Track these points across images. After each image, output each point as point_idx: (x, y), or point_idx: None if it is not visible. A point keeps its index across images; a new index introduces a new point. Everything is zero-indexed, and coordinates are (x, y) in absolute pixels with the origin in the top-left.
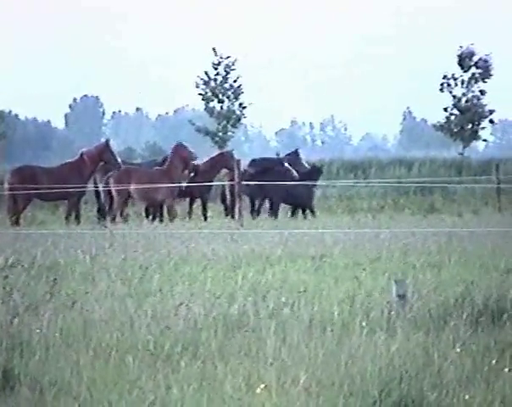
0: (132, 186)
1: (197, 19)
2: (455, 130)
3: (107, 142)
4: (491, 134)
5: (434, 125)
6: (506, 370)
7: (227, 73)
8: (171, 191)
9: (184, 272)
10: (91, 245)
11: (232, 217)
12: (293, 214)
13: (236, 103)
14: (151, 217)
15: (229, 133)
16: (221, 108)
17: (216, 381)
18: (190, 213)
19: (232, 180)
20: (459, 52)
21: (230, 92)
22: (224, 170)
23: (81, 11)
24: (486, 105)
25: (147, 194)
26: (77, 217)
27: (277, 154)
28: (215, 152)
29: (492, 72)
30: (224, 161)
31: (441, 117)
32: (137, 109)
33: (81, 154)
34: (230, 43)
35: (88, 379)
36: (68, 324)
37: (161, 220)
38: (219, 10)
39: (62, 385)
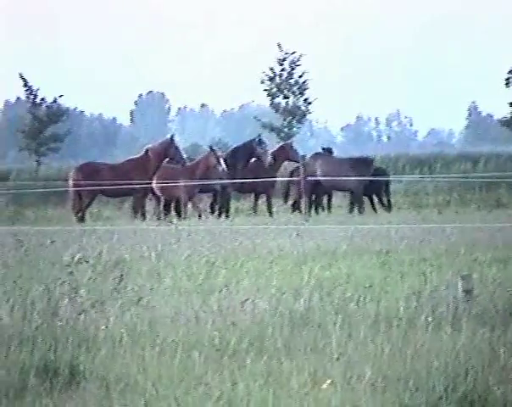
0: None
1: (263, 16)
2: None
3: (171, 138)
4: None
5: (500, 121)
6: None
7: (292, 68)
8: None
9: (250, 268)
10: (156, 241)
11: (299, 212)
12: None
13: (302, 99)
14: (216, 213)
15: (294, 129)
16: (286, 103)
17: (282, 377)
18: (255, 208)
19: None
20: None
21: (295, 88)
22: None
23: (149, 9)
24: None
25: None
26: (143, 213)
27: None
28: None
29: None
30: (285, 153)
31: (507, 112)
32: (203, 105)
33: (146, 150)
34: (295, 39)
35: (154, 375)
36: (134, 320)
37: (227, 216)
38: (286, 6)
39: (128, 381)
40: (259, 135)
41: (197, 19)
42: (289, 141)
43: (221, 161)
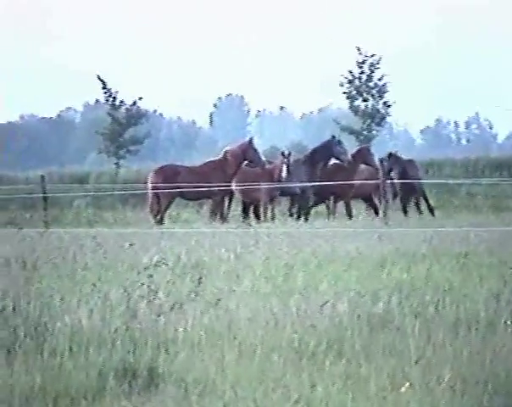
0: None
1: (343, 17)
2: None
3: (250, 140)
4: None
5: None
6: None
7: (372, 71)
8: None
9: (328, 270)
10: (235, 243)
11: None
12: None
13: (381, 102)
14: (295, 215)
15: (373, 132)
16: (366, 106)
17: (360, 380)
18: (333, 211)
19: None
20: None
21: (374, 91)
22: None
23: (225, 12)
24: None
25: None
26: (222, 216)
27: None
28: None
29: None
30: (362, 157)
31: None
32: (282, 108)
33: (225, 153)
34: (374, 41)
35: (233, 377)
36: (212, 322)
37: (306, 219)
38: (366, 9)
39: (207, 383)
40: (333, 136)
41: (277, 22)
42: (367, 144)
43: (284, 167)
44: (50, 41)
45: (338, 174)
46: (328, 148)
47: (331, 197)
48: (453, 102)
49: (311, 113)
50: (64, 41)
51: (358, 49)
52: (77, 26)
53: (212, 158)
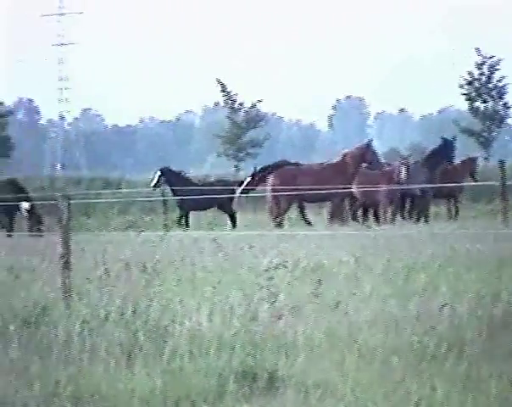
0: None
1: (461, 19)
2: None
3: (369, 142)
4: None
5: None
6: None
7: (491, 73)
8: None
9: (448, 272)
10: (355, 246)
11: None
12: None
13: (501, 103)
14: (415, 217)
15: (493, 133)
16: (485, 108)
17: (481, 382)
18: (452, 213)
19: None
20: None
21: (494, 92)
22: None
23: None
24: None
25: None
26: (341, 218)
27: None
28: (476, 153)
29: None
30: (469, 165)
31: None
32: (401, 110)
33: (344, 155)
34: (494, 43)
35: (353, 380)
36: (332, 325)
37: (426, 221)
38: (482, 11)
39: (327, 386)
40: (444, 137)
41: (398, 23)
42: (474, 155)
43: (403, 169)
44: (169, 45)
45: (449, 176)
46: (446, 150)
47: (446, 199)
48: None
49: (431, 114)
50: (184, 45)
51: (478, 50)
52: (197, 30)
53: (331, 161)
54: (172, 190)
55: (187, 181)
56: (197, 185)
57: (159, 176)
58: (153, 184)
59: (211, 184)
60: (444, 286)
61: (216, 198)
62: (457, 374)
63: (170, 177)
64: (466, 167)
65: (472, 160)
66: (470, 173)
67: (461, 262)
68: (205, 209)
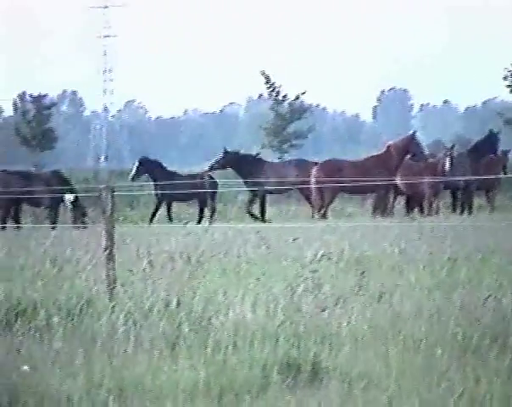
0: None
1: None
2: None
3: (413, 133)
4: None
5: None
6: None
7: None
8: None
9: (492, 264)
10: (399, 237)
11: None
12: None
13: None
14: (459, 209)
15: None
16: None
17: None
18: (492, 204)
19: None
20: None
21: None
22: None
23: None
24: None
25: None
26: (385, 210)
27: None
28: None
29: None
30: (504, 159)
31: None
32: (445, 102)
33: (388, 147)
34: None
35: (397, 371)
36: (376, 317)
37: (470, 213)
38: None
39: (371, 378)
40: (491, 130)
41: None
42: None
43: (447, 161)
44: (214, 37)
45: (492, 168)
46: (491, 142)
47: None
48: None
49: (475, 106)
50: (229, 37)
51: None
52: (242, 22)
53: (375, 153)
54: (153, 180)
55: (167, 172)
56: (178, 176)
57: (137, 167)
58: (131, 175)
59: (193, 177)
60: (488, 277)
61: (195, 192)
62: (501, 365)
63: (150, 167)
64: (501, 160)
65: (505, 153)
66: (503, 166)
67: (505, 253)
68: (185, 201)
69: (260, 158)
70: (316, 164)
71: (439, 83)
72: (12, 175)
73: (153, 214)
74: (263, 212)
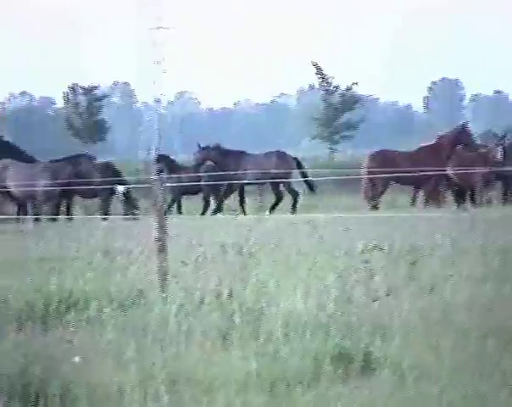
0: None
1: None
2: None
3: (464, 124)
4: None
5: None
6: None
7: None
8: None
9: None
10: (451, 228)
11: None
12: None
13: None
14: (511, 200)
15: None
16: None
17: None
18: None
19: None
20: None
21: None
22: None
23: None
24: None
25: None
26: (437, 200)
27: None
28: None
29: None
30: None
31: None
32: (497, 92)
33: (439, 138)
34: None
35: (449, 363)
36: (428, 307)
37: None
38: None
39: (423, 369)
40: None
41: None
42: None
43: (499, 150)
44: (265, 28)
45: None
46: None
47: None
48: None
49: None
50: (280, 27)
51: None
52: (293, 12)
53: (426, 143)
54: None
55: (177, 166)
56: (186, 170)
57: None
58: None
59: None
60: None
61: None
62: None
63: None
64: None
65: None
66: None
67: None
68: (195, 194)
69: (241, 151)
70: (295, 158)
71: (491, 73)
72: (65, 166)
73: (170, 207)
74: (242, 203)
